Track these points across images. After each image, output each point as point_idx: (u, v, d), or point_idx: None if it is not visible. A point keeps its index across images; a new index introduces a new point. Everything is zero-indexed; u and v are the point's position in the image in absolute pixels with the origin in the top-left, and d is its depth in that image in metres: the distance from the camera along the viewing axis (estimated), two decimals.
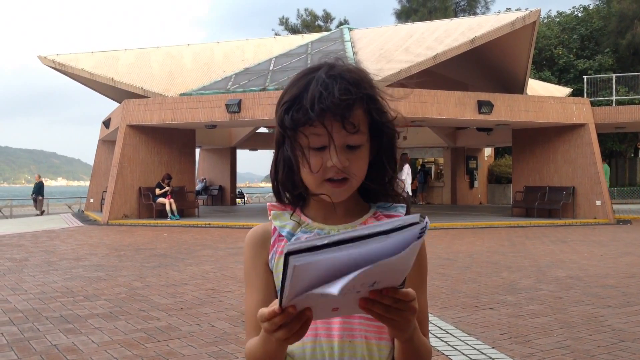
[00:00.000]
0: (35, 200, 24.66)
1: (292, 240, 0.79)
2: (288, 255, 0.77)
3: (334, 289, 0.78)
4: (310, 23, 46.88)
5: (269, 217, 1.19)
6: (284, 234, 1.15)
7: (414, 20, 36.02)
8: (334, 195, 1.10)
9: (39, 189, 24.66)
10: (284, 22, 48.19)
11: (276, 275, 1.14)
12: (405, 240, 0.79)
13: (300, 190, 1.15)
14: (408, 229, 0.79)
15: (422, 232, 0.81)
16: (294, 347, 1.11)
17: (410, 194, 17.85)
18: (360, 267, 0.78)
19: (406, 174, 15.37)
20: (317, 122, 1.05)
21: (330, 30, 32.97)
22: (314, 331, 1.10)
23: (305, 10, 48.65)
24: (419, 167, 26.52)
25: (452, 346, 4.57)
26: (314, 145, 1.07)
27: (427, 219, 0.81)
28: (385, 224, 0.80)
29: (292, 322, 0.86)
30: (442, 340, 4.69)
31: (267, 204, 1.22)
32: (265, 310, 0.88)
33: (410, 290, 0.89)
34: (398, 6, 47.11)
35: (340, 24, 44.43)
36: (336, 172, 1.07)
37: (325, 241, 0.77)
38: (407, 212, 1.20)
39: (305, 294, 0.81)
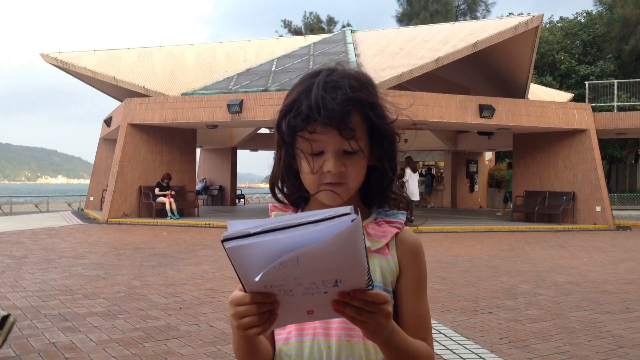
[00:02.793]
0: None
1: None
2: (222, 241, 0.82)
3: (257, 276, 0.83)
4: (314, 26, 46.95)
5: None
6: None
7: (415, 24, 36.03)
8: (330, 200, 1.11)
9: None
10: (287, 25, 48.30)
11: None
12: (332, 229, 0.81)
13: (299, 193, 1.17)
14: (337, 219, 0.81)
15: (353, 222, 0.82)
16: (291, 346, 1.11)
17: (419, 198, 17.80)
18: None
19: (408, 175, 15.40)
20: (315, 129, 1.07)
21: (332, 33, 32.99)
22: (312, 330, 1.11)
23: (310, 13, 48.86)
24: (425, 171, 26.58)
25: (450, 350, 4.56)
26: (312, 151, 1.09)
27: (358, 214, 0.82)
28: (318, 213, 0.83)
29: (262, 308, 0.88)
30: (441, 344, 4.68)
31: (269, 204, 1.22)
32: (237, 294, 0.91)
33: (380, 292, 0.90)
34: (399, 9, 47.16)
35: (343, 27, 44.50)
36: (332, 177, 1.09)
37: (259, 229, 0.82)
38: (409, 218, 1.21)
39: (269, 287, 0.85)
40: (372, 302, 0.89)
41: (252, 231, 0.82)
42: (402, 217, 1.18)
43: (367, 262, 0.86)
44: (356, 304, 0.88)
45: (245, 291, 0.88)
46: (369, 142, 1.13)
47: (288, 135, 1.11)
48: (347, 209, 0.83)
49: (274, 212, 1.20)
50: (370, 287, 0.88)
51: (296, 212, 1.19)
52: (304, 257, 0.81)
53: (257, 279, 0.83)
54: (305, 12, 73.40)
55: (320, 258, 0.82)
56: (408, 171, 15.37)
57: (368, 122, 1.11)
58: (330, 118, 1.06)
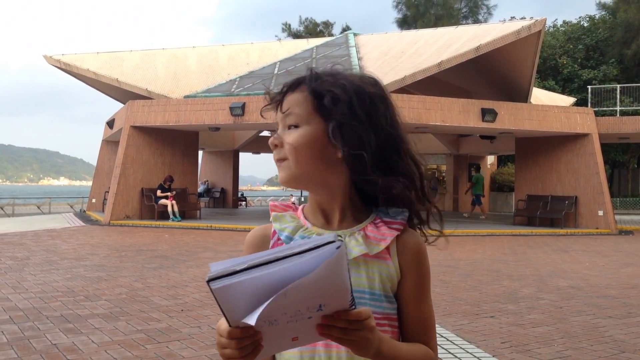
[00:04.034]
0: None
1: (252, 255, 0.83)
2: (208, 282, 0.81)
3: (252, 319, 0.81)
4: (312, 29, 46.99)
5: (270, 219, 1.19)
6: (282, 238, 1.14)
7: (419, 26, 36.02)
8: (279, 175, 1.14)
9: None
10: (286, 29, 48.39)
11: None
12: (319, 259, 0.81)
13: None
14: (322, 249, 0.81)
15: (338, 250, 0.82)
16: (291, 356, 1.11)
17: None
18: (279, 289, 0.80)
19: None
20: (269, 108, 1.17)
21: (332, 36, 33.02)
22: None
23: (306, 19, 48.91)
24: (431, 175, 26.47)
25: (452, 354, 4.56)
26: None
27: (342, 240, 0.83)
28: (303, 244, 0.82)
29: (242, 343, 0.87)
30: (443, 348, 4.68)
31: (270, 203, 1.22)
32: (222, 324, 0.89)
33: (363, 309, 0.90)
34: (399, 15, 47.12)
35: (343, 30, 44.49)
36: (277, 152, 1.13)
37: (245, 265, 0.81)
38: (410, 218, 1.18)
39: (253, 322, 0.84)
40: (356, 321, 0.89)
41: (237, 268, 0.81)
42: (403, 217, 1.15)
43: (350, 282, 0.86)
44: (340, 325, 0.88)
45: (230, 324, 0.86)
46: (330, 126, 1.09)
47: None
48: (331, 236, 0.82)
49: (273, 213, 1.19)
50: (353, 307, 0.88)
51: (296, 211, 1.19)
52: (293, 291, 0.81)
53: (253, 321, 0.81)
54: (300, 17, 73.46)
55: (308, 289, 0.82)
56: None
57: (317, 100, 1.11)
58: (273, 98, 1.16)
